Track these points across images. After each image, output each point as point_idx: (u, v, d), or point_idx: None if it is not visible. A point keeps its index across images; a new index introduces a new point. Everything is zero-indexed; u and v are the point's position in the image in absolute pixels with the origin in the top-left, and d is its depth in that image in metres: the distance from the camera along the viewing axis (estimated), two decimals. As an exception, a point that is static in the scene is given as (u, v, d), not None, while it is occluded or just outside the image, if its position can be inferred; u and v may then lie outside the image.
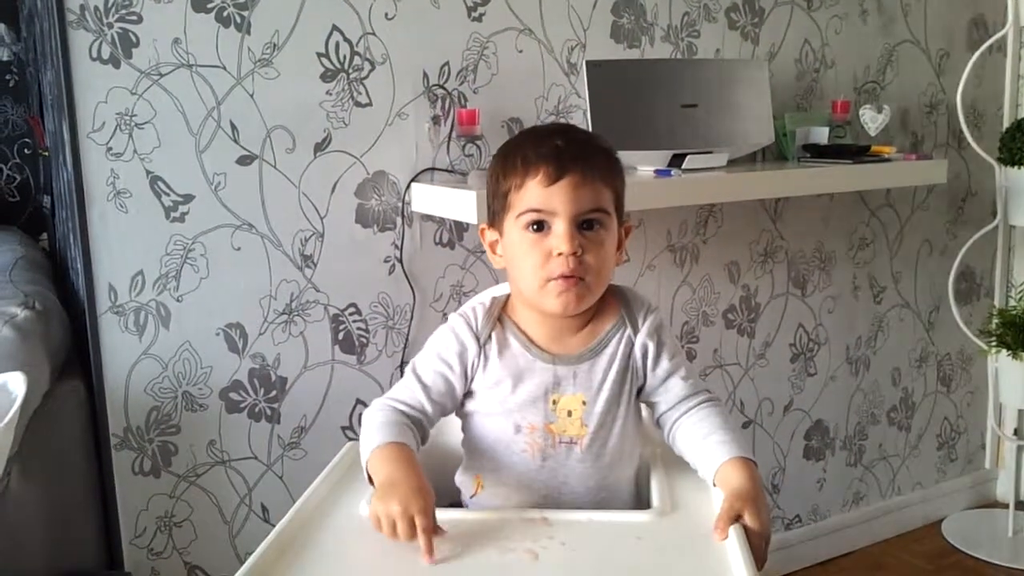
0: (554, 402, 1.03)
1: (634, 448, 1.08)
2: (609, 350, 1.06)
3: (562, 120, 1.82)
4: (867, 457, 2.42)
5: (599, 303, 1.07)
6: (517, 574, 0.85)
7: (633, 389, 1.07)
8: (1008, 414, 2.57)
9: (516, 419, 1.03)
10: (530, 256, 1.00)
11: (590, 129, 1.69)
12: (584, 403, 1.04)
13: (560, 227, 0.99)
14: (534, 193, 0.99)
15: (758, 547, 0.92)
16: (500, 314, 1.07)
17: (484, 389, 1.05)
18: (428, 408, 1.05)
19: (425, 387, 1.05)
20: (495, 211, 1.06)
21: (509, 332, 1.06)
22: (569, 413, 1.03)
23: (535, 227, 1.00)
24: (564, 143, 1.00)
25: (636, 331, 1.07)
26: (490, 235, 1.07)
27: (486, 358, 1.05)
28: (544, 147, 1.00)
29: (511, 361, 1.04)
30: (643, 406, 1.12)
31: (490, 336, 1.05)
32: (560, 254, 0.98)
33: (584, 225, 1.00)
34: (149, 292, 1.49)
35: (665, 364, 1.07)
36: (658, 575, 0.86)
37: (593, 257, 0.99)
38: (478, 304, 1.08)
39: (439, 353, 1.06)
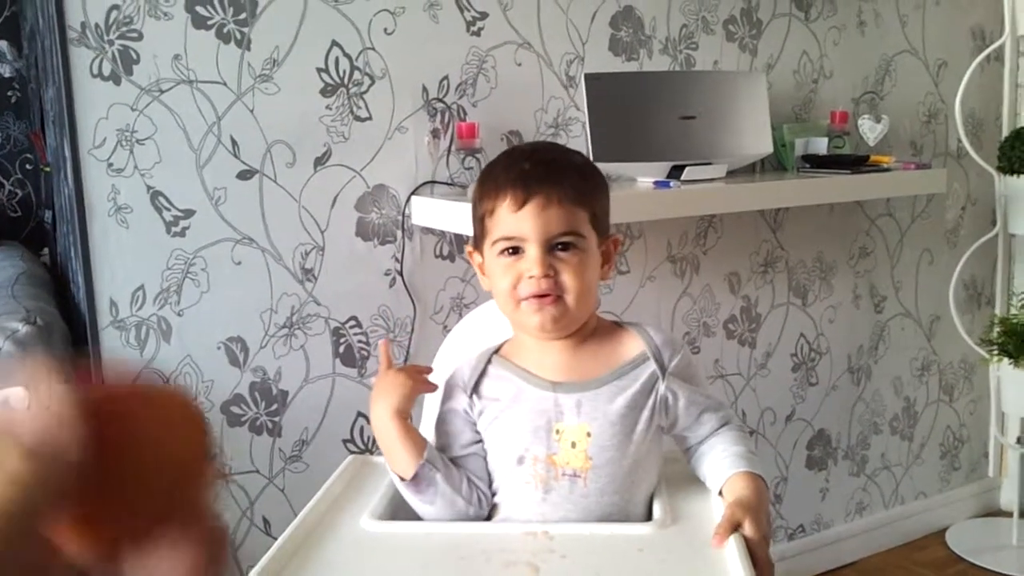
0: (557, 432, 1.00)
1: (648, 484, 1.04)
2: (622, 382, 1.02)
3: (560, 134, 1.83)
4: (870, 467, 2.42)
5: (612, 335, 1.06)
6: (518, 587, 0.85)
7: (651, 427, 1.02)
8: (1011, 422, 2.57)
9: (519, 450, 1.01)
10: (504, 279, 1.00)
11: (589, 141, 1.70)
12: (589, 434, 1.00)
13: (532, 251, 0.98)
14: (503, 219, 0.99)
15: (762, 556, 0.91)
16: (491, 357, 1.06)
17: (485, 427, 1.04)
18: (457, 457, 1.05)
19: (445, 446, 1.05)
20: (476, 235, 1.06)
21: (502, 368, 1.05)
22: (573, 444, 1.00)
23: (510, 252, 1.00)
24: (531, 166, 1.00)
25: (663, 369, 1.03)
26: (477, 257, 1.07)
27: (479, 399, 1.04)
28: (512, 171, 1.00)
29: (504, 393, 1.03)
30: (664, 439, 1.08)
31: (479, 383, 1.04)
32: (531, 277, 0.98)
33: (558, 247, 0.99)
34: (150, 307, 1.49)
35: (699, 402, 1.04)
36: (659, 587, 0.86)
37: (567, 277, 0.98)
38: (465, 364, 1.07)
39: (437, 418, 1.07)
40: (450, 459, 1.04)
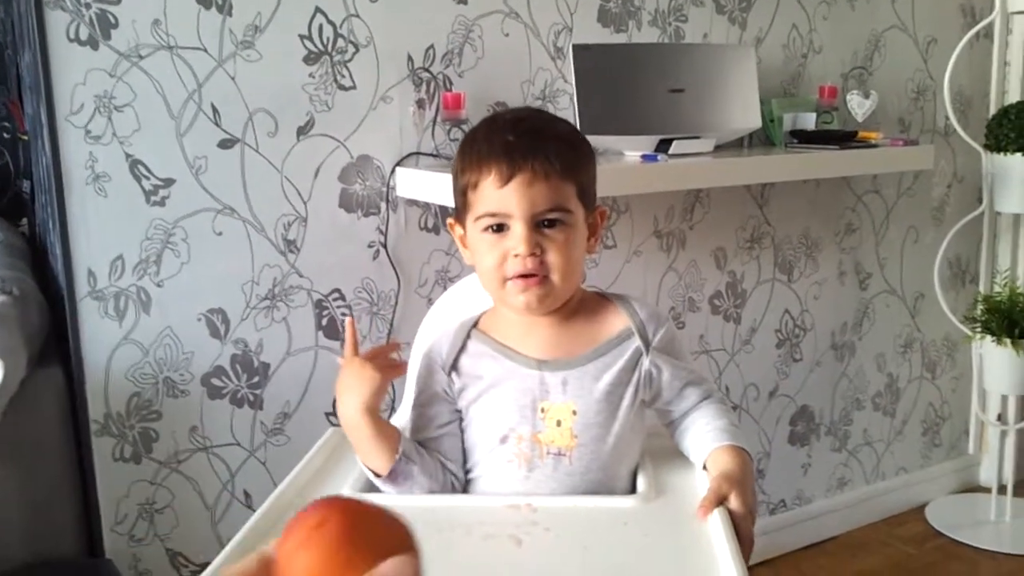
0: (542, 410, 0.99)
1: (632, 459, 1.03)
2: (607, 359, 1.01)
3: (548, 106, 1.81)
4: (852, 442, 2.43)
5: (597, 309, 1.04)
6: (499, 560, 0.84)
7: (636, 402, 1.01)
8: (992, 400, 2.59)
9: (503, 429, 0.99)
10: (488, 256, 0.97)
11: (577, 114, 1.68)
12: (575, 413, 0.99)
13: (517, 228, 0.95)
14: (488, 195, 0.96)
15: (746, 531, 0.91)
16: (470, 331, 1.04)
17: (467, 405, 1.02)
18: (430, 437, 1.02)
19: (417, 428, 1.03)
20: (458, 207, 1.02)
21: (483, 344, 1.03)
22: (558, 423, 0.98)
23: (494, 228, 0.96)
24: (516, 137, 0.96)
25: (647, 343, 1.02)
26: (458, 230, 1.04)
27: (459, 376, 1.02)
28: (496, 143, 0.96)
29: (487, 371, 1.01)
30: (647, 413, 1.07)
31: (457, 359, 1.02)
32: (517, 255, 0.95)
33: (545, 223, 0.96)
34: (129, 277, 1.47)
35: (682, 376, 1.03)
36: (643, 560, 0.85)
37: (554, 255, 0.96)
38: (442, 335, 1.05)
39: (415, 398, 1.04)
40: (424, 439, 1.02)
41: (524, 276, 0.96)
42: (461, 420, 1.03)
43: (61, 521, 1.43)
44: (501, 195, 0.95)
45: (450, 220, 1.06)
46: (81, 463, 1.47)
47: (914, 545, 2.36)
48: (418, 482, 0.97)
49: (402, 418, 1.10)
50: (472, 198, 0.98)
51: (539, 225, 0.96)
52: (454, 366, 1.02)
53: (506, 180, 0.94)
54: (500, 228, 0.96)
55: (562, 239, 0.96)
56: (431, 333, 1.21)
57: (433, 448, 1.01)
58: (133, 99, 1.44)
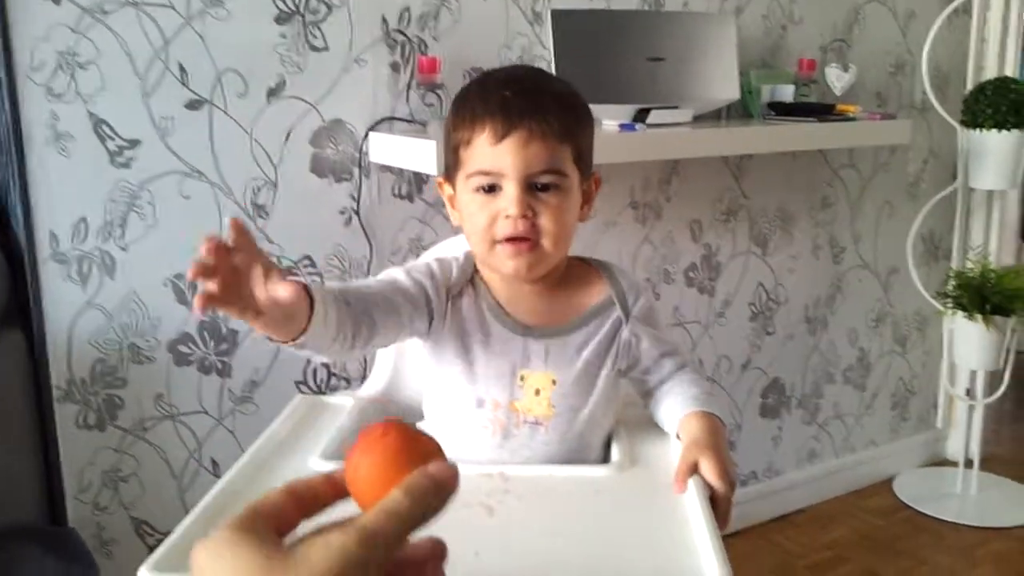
0: (522, 378, 0.97)
1: (606, 429, 1.02)
2: (589, 328, 1.00)
3: (525, 71, 1.77)
4: (822, 415, 2.45)
5: (581, 276, 1.02)
6: (470, 529, 0.83)
7: (612, 372, 1.00)
8: (960, 375, 2.61)
9: (480, 392, 0.97)
10: (478, 217, 0.94)
11: (554, 80, 1.65)
12: (554, 382, 0.97)
13: (510, 189, 0.92)
14: (481, 152, 0.92)
15: (723, 493, 0.89)
16: (473, 274, 1.01)
17: (447, 353, 0.99)
18: (373, 291, 0.93)
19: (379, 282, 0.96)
20: (448, 165, 0.99)
21: (480, 294, 1.00)
22: (537, 392, 0.97)
23: (486, 188, 0.93)
24: (513, 94, 0.92)
25: (627, 313, 1.01)
26: (448, 189, 1.01)
27: (454, 312, 0.98)
28: (492, 99, 0.93)
29: (479, 326, 0.98)
30: (621, 382, 1.06)
31: (460, 293, 0.99)
32: (508, 217, 0.92)
33: (539, 186, 0.93)
34: (93, 240, 1.43)
35: (660, 346, 1.03)
36: (616, 529, 0.84)
37: (547, 220, 0.93)
38: (453, 259, 1.02)
39: (411, 267, 0.99)
40: (370, 295, 0.92)
41: (514, 240, 0.93)
42: (406, 329, 0.96)
43: (22, 490, 1.40)
44: (495, 153, 0.92)
45: (439, 179, 1.03)
46: (43, 430, 1.44)
47: (882, 517, 2.38)
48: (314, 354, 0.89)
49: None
50: (464, 155, 0.95)
51: (533, 187, 0.93)
52: (457, 298, 0.99)
53: (501, 138, 0.91)
54: (492, 188, 0.93)
55: (556, 203, 0.93)
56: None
57: (368, 301, 0.91)
58: (97, 56, 1.39)
